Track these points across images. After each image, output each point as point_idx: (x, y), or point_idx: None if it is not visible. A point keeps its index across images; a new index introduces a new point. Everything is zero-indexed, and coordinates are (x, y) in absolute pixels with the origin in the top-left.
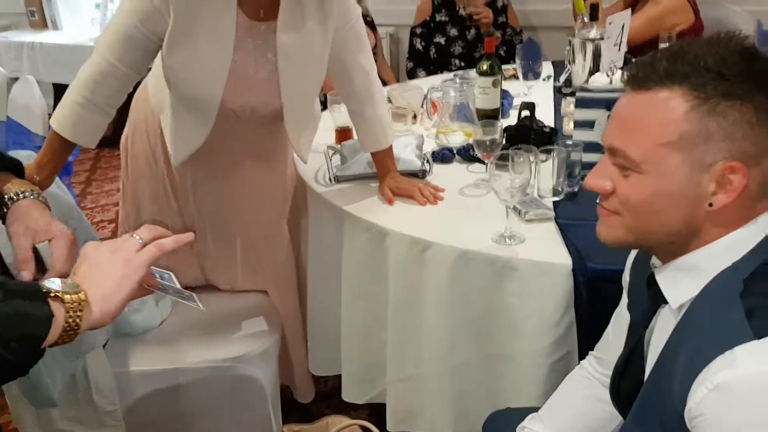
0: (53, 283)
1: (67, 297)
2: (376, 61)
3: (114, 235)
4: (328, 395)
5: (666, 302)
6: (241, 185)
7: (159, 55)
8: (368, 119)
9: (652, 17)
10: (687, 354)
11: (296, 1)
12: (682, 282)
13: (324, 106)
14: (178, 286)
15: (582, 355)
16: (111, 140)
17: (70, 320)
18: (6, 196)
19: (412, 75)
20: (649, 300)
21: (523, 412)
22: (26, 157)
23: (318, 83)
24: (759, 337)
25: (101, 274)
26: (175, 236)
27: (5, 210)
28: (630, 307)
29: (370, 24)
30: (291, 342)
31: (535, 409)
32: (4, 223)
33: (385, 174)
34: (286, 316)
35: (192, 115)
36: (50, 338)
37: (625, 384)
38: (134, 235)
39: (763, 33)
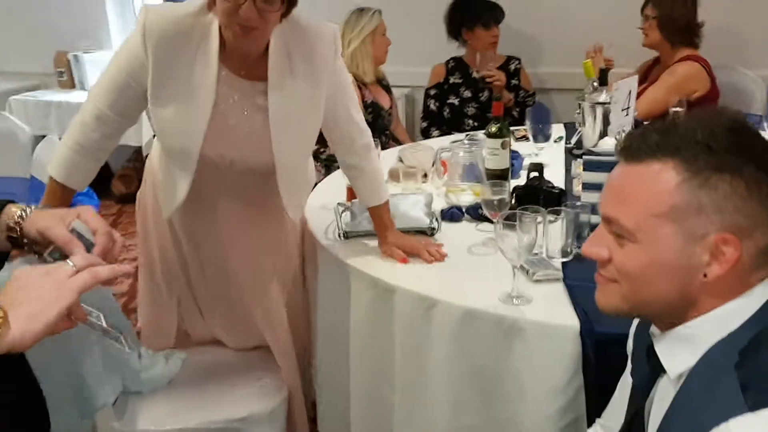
0: None
1: None
2: (391, 122)
3: (132, 289)
4: None
5: (665, 371)
6: (231, 240)
7: None
8: (368, 173)
9: (671, 87)
10: (683, 425)
11: (284, 60)
12: (679, 352)
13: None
14: (105, 325)
15: (590, 421)
16: (133, 196)
17: None
18: (17, 215)
19: (426, 134)
20: (648, 369)
21: None
22: None
23: (309, 143)
24: (753, 410)
25: (28, 294)
26: (111, 266)
27: (19, 232)
28: (633, 374)
29: (386, 87)
30: (294, 401)
31: None
32: (29, 250)
33: (384, 230)
34: (287, 376)
35: (175, 166)
36: None
37: None
38: (68, 262)
39: None
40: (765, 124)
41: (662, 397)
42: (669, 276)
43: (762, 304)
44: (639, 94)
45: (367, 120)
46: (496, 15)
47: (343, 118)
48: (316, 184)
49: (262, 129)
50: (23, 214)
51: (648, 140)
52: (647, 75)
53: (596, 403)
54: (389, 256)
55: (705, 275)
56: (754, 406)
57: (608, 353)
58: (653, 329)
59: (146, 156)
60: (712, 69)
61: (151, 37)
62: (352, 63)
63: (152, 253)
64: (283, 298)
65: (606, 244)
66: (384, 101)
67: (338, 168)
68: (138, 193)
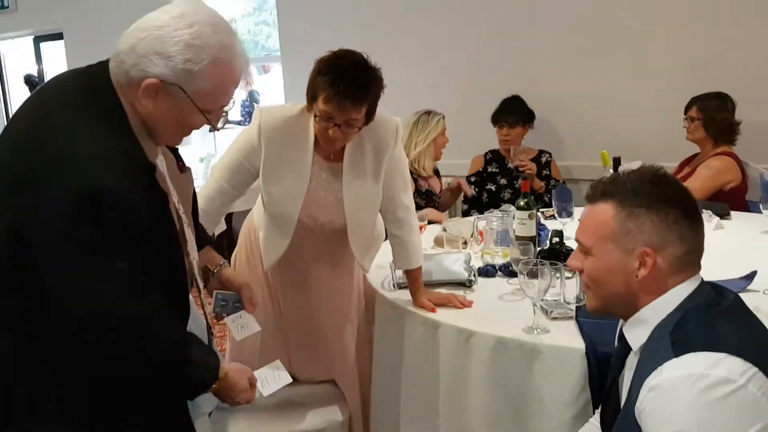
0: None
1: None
2: (440, 204)
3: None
4: None
5: (631, 348)
6: (316, 289)
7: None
8: (405, 243)
9: (706, 178)
10: (640, 379)
11: (358, 146)
12: (637, 332)
13: None
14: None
15: None
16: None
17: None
18: (220, 262)
19: (466, 216)
20: (621, 349)
21: None
22: None
23: (374, 211)
24: (677, 356)
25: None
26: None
27: (213, 274)
28: (612, 358)
29: (437, 173)
30: (354, 425)
31: None
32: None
33: (416, 290)
34: (351, 402)
35: (277, 229)
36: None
37: (607, 413)
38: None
39: (765, 183)
40: (761, 207)
41: (630, 367)
42: (615, 277)
43: (687, 295)
44: None
45: (420, 205)
46: (505, 117)
47: (389, 197)
48: None
49: (341, 200)
50: (223, 263)
51: (598, 189)
52: (682, 168)
53: None
54: (421, 308)
55: (637, 276)
56: (678, 353)
57: (609, 370)
58: (622, 321)
59: (217, 235)
60: (742, 163)
61: (265, 133)
62: (415, 161)
63: None
64: (353, 336)
65: (579, 259)
66: (436, 186)
67: None
68: (234, 252)
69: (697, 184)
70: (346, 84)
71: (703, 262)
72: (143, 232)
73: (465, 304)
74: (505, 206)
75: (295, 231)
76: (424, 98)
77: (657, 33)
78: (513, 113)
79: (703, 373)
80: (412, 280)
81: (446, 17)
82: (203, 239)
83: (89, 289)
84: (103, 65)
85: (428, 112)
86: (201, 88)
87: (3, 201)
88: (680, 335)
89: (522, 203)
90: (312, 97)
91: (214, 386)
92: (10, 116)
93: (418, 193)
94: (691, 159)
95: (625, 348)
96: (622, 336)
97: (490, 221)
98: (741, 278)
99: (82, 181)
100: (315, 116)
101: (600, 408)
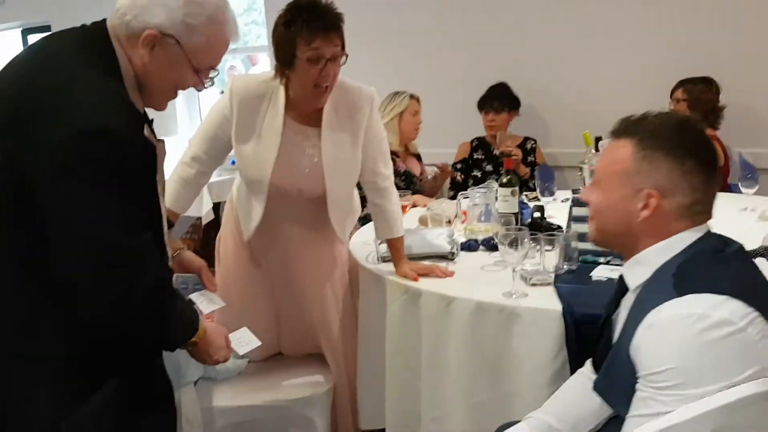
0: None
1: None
2: (422, 187)
3: None
4: None
5: (628, 289)
6: (298, 257)
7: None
8: (386, 211)
9: None
10: (637, 317)
11: (333, 115)
12: (637, 271)
13: None
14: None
15: None
16: None
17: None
18: (178, 247)
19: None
20: (617, 291)
21: None
22: None
23: (352, 179)
24: (680, 295)
25: (214, 342)
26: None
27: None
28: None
29: (417, 157)
30: (339, 393)
31: None
32: None
33: (399, 259)
34: (335, 372)
35: (253, 195)
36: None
37: (599, 349)
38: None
39: (743, 161)
40: (739, 185)
41: (626, 306)
42: (617, 214)
43: (693, 241)
44: None
45: (399, 185)
46: (491, 102)
47: (370, 167)
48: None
49: (319, 165)
50: (182, 247)
51: (622, 125)
52: None
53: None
54: (404, 277)
55: (639, 216)
56: (680, 293)
57: (586, 331)
58: (623, 264)
59: (204, 225)
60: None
61: (236, 98)
62: None
63: (229, 275)
64: (336, 305)
65: (591, 190)
66: (416, 169)
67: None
68: (219, 232)
69: None
70: (318, 17)
71: None
72: (140, 174)
73: (447, 274)
74: (488, 182)
75: (272, 197)
76: (411, 86)
77: (641, 19)
78: (499, 99)
79: (704, 313)
80: (395, 250)
81: (432, 5)
82: None
83: (89, 220)
84: (100, 22)
85: (396, 92)
86: (196, 44)
87: (1, 131)
88: (683, 276)
89: (505, 180)
90: (285, 54)
91: (193, 340)
92: None
93: (396, 173)
94: None
95: (623, 288)
96: (620, 278)
97: (473, 197)
98: None
99: (85, 119)
100: (294, 70)
101: (593, 348)
